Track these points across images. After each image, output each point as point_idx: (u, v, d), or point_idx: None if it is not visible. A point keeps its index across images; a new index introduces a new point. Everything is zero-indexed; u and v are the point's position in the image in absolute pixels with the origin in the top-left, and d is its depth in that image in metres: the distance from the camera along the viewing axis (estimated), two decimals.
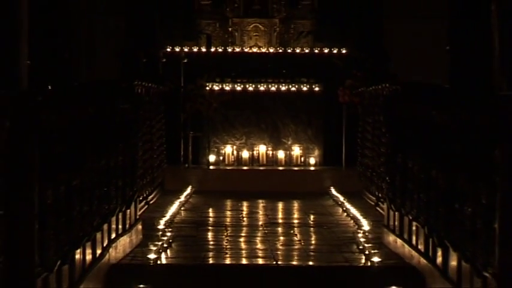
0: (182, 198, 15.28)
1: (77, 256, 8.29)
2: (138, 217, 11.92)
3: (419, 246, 9.75)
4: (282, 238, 12.53)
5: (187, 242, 11.82)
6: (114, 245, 10.06)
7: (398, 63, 17.21)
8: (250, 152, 18.20)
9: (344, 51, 18.82)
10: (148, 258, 10.18)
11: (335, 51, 18.85)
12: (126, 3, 19.13)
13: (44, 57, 11.98)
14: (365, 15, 19.35)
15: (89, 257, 8.80)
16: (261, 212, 14.92)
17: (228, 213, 15.01)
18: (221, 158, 18.22)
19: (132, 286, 8.92)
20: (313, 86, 18.46)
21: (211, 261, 10.95)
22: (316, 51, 18.99)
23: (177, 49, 18.79)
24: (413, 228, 10.08)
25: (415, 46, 17.35)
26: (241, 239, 12.58)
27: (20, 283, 6.59)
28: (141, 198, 12.75)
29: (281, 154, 18.22)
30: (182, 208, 14.57)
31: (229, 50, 19.05)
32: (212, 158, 18.15)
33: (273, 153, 18.23)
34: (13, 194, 6.53)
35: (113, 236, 10.11)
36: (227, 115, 18.35)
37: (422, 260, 9.43)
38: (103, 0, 18.57)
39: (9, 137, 6.58)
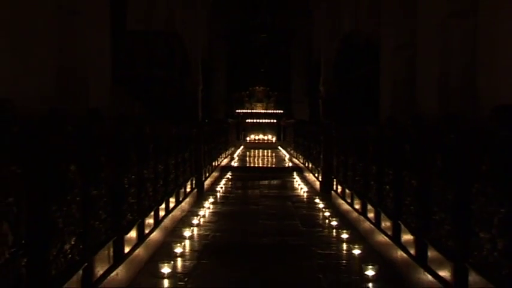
0: (240, 149, 14.85)
1: (214, 163, 8.07)
2: (229, 153, 11.58)
3: (301, 161, 9.42)
4: (266, 159, 12.17)
5: (242, 160, 11.44)
6: (223, 161, 9.74)
7: (297, 114, 16.68)
8: (257, 138, 17.55)
9: (283, 111, 18.07)
10: (232, 165, 9.93)
11: (281, 111, 18.08)
12: (225, 100, 18.27)
13: (205, 110, 11.60)
14: (288, 103, 18.62)
15: (216, 163, 8.52)
16: (260, 153, 14.43)
17: (252, 153, 14.52)
18: (250, 139, 17.53)
19: (228, 171, 8.63)
20: (275, 120, 17.80)
21: (247, 165, 10.58)
22: (276, 111, 18.17)
23: (238, 110, 18.03)
24: (300, 157, 9.75)
25: (300, 111, 16.83)
26: (255, 160, 12.18)
27: (198, 171, 6.30)
28: (228, 149, 12.28)
29: (265, 138, 17.60)
30: (240, 151, 14.11)
31: (252, 111, 18.28)
32: (248, 138, 17.47)
33: (263, 138, 17.58)
34: (195, 148, 6.21)
35: (222, 158, 9.81)
36: (252, 127, 17.69)
37: (302, 165, 9.13)
38: (217, 95, 18.00)
39: (197, 133, 6.18)
